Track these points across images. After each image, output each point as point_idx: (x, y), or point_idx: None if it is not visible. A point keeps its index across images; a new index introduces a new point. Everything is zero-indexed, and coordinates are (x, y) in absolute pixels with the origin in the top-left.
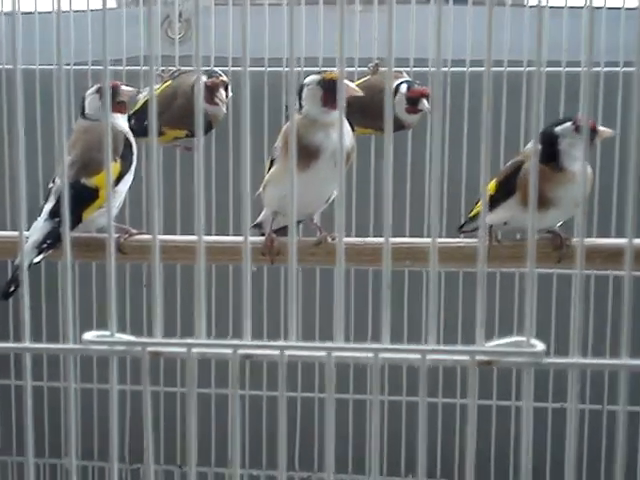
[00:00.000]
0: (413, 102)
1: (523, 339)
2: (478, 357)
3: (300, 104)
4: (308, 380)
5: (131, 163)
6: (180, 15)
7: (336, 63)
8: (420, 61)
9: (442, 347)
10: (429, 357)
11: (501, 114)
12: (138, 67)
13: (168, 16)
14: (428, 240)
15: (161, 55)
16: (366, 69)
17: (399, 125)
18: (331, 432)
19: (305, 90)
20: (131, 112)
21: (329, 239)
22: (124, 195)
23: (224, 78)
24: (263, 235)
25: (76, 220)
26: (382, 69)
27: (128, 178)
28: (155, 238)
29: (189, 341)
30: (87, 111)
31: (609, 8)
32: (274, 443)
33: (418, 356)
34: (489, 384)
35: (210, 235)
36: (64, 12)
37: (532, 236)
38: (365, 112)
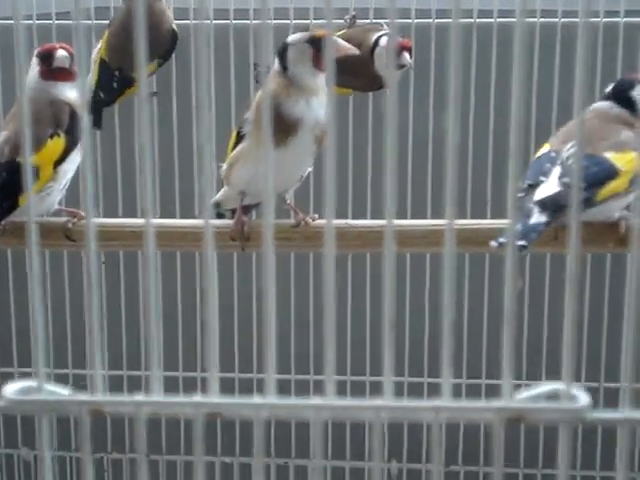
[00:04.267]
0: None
1: (562, 387)
2: (506, 414)
3: (284, 66)
4: None
5: (79, 138)
6: None
7: (309, 15)
8: (404, 12)
9: (459, 404)
10: (443, 415)
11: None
12: (69, 21)
13: None
14: (413, 222)
15: (94, 7)
16: (342, 22)
17: (379, 83)
18: None
19: (292, 50)
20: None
21: (309, 220)
22: (70, 174)
23: None
24: (220, 215)
25: (11, 205)
26: (360, 21)
27: (75, 155)
28: (90, 221)
29: (139, 399)
30: (29, 80)
31: None
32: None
33: (429, 414)
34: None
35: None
36: None
37: (576, 225)
38: (343, 70)
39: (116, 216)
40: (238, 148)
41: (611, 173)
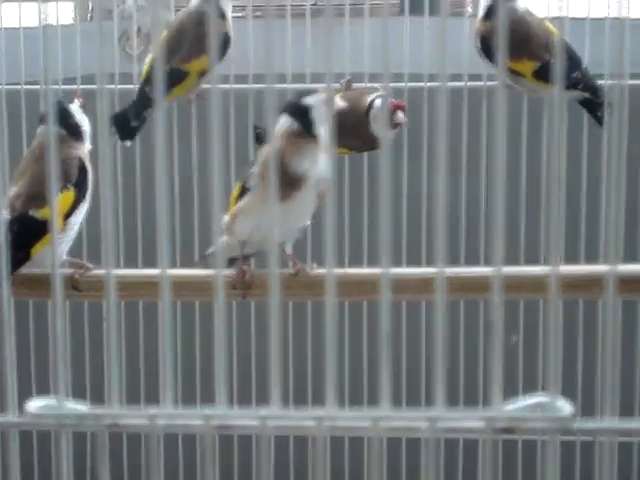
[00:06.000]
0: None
1: (547, 400)
2: (496, 424)
3: (305, 125)
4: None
5: (87, 191)
6: (138, 30)
7: (306, 79)
8: (396, 76)
9: (452, 413)
10: (438, 425)
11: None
12: (94, 85)
13: (126, 31)
14: (412, 270)
15: (119, 72)
16: (338, 85)
17: (374, 143)
18: None
19: (316, 111)
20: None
21: (308, 270)
22: (78, 227)
23: None
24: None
25: (24, 257)
26: (355, 85)
27: (83, 207)
28: (110, 273)
29: (153, 411)
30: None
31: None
32: None
33: (425, 424)
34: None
35: (175, 268)
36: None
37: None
38: (340, 131)
39: (135, 266)
40: (243, 200)
41: None
